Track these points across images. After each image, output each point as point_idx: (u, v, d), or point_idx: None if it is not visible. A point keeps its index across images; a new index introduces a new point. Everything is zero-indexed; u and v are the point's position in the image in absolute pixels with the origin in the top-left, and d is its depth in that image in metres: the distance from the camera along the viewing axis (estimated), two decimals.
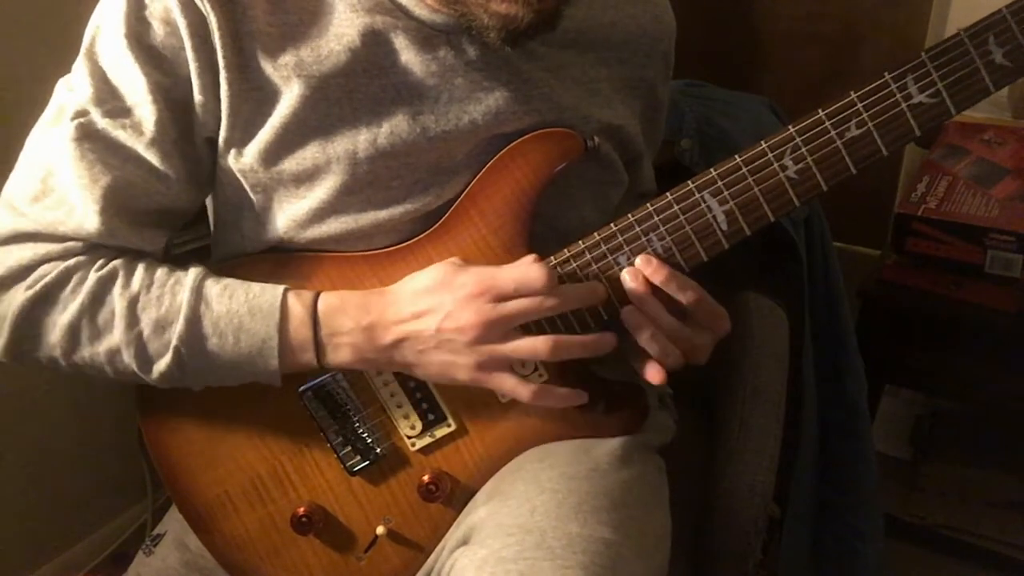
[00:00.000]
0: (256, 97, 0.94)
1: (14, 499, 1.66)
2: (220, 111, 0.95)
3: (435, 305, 0.92)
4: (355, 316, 0.94)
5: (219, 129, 0.96)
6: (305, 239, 0.99)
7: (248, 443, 1.02)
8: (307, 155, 0.95)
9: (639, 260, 0.94)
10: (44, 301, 0.94)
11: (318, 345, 0.94)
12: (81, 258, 0.95)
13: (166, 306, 0.94)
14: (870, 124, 0.87)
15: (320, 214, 0.97)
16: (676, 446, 1.15)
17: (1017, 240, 1.59)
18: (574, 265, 0.96)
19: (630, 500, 0.95)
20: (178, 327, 0.93)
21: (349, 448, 1.01)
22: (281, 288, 0.95)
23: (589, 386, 1.03)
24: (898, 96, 0.86)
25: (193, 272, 0.96)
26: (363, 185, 0.96)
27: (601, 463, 0.98)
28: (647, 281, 0.94)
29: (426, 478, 1.00)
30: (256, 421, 1.01)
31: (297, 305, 0.94)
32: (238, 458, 1.03)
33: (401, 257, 0.99)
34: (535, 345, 0.92)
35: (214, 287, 0.95)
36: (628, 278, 0.94)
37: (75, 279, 0.94)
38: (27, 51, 1.46)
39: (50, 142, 0.95)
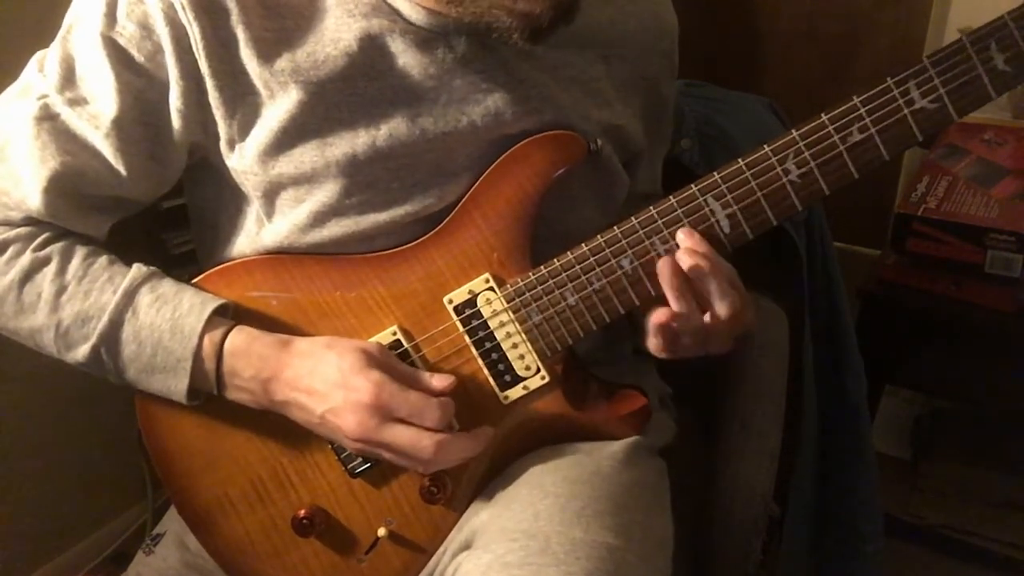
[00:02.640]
0: (252, 101, 0.94)
1: (14, 499, 1.66)
2: (210, 117, 0.95)
3: (327, 394, 0.92)
4: (255, 366, 0.95)
5: (211, 133, 0.96)
6: (306, 243, 0.99)
7: (249, 444, 1.02)
8: (305, 158, 0.95)
9: (682, 233, 0.92)
10: None
11: (219, 379, 0.96)
12: (22, 230, 0.98)
13: (91, 302, 0.96)
14: (872, 129, 0.87)
15: (321, 217, 0.97)
16: (676, 446, 1.15)
17: (1017, 240, 1.58)
18: (577, 267, 0.95)
19: (632, 504, 0.96)
20: (100, 326, 0.95)
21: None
22: (207, 313, 0.96)
23: (591, 389, 1.04)
24: (900, 101, 0.86)
25: (132, 274, 0.98)
26: (363, 187, 0.96)
27: (603, 466, 0.98)
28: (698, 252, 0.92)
29: (428, 480, 1.00)
30: (257, 422, 1.01)
31: (208, 338, 0.95)
32: (239, 459, 1.03)
33: (404, 259, 0.99)
34: (419, 440, 0.90)
35: (147, 296, 0.96)
36: (689, 243, 0.92)
37: (11, 251, 0.97)
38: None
39: (13, 114, 0.97)
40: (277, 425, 1.00)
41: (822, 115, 0.89)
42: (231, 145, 0.96)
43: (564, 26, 0.89)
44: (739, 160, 0.91)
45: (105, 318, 0.95)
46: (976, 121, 1.86)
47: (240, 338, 0.96)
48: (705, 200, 0.92)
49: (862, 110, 0.87)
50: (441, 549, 1.02)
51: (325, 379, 0.92)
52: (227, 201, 1.03)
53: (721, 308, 0.92)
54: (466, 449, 0.94)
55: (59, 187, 0.96)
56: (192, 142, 0.98)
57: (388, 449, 0.91)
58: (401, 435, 0.90)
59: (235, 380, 0.96)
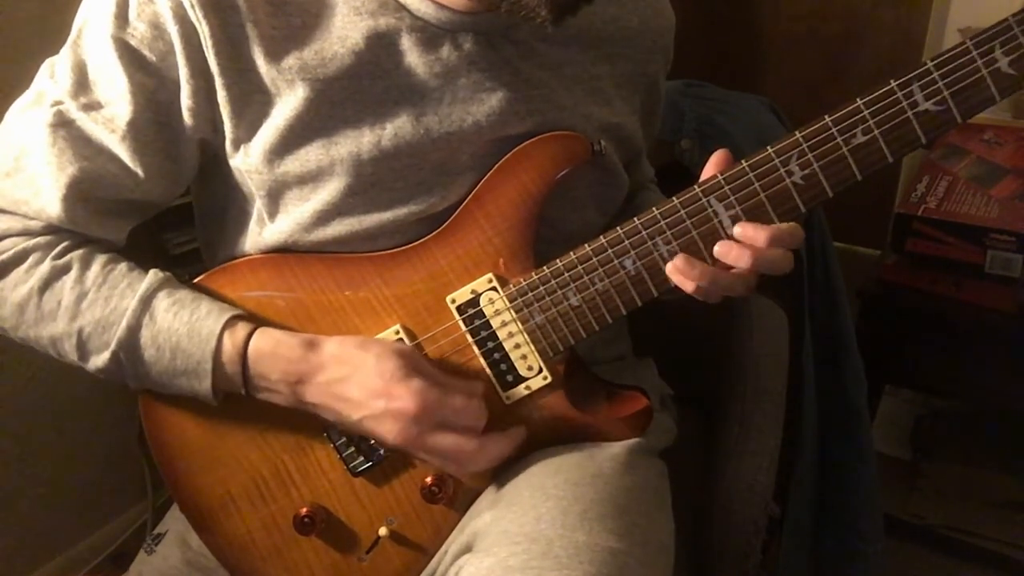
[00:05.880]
0: (260, 100, 0.94)
1: (14, 499, 1.66)
2: (218, 115, 0.95)
3: (364, 402, 0.92)
4: (282, 369, 0.94)
5: (220, 131, 0.96)
6: (309, 242, 0.99)
7: (251, 443, 1.02)
8: (310, 157, 0.95)
9: (738, 229, 0.91)
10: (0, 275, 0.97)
11: (247, 382, 0.95)
12: (41, 239, 0.98)
13: (111, 308, 0.95)
14: (876, 131, 0.87)
15: (325, 216, 0.97)
16: (676, 447, 1.15)
17: (1017, 240, 1.59)
18: (579, 267, 0.96)
19: (634, 506, 0.95)
20: (119, 332, 0.95)
21: (352, 448, 1.00)
22: (226, 316, 0.95)
23: (593, 389, 1.04)
24: (904, 104, 0.86)
25: (149, 279, 0.97)
26: (367, 186, 0.96)
27: (604, 468, 0.98)
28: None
29: (429, 479, 1.00)
30: (259, 420, 1.01)
31: (230, 340, 0.95)
32: (240, 458, 1.03)
33: (407, 258, 0.99)
34: (464, 445, 0.92)
35: (164, 300, 0.96)
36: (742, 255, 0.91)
37: (31, 260, 0.96)
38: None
39: (27, 123, 0.96)
40: (279, 423, 1.00)
41: (825, 117, 0.89)
42: (236, 145, 0.96)
43: (587, 4, 0.88)
44: (742, 161, 0.91)
45: (123, 324, 0.94)
46: (976, 121, 1.86)
47: (263, 340, 0.95)
48: (708, 201, 0.92)
49: (865, 112, 0.87)
50: (442, 549, 1.02)
51: (363, 386, 0.92)
52: (231, 200, 1.03)
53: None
54: (504, 448, 0.96)
55: (78, 193, 0.95)
56: (203, 139, 0.98)
57: (430, 454, 0.93)
58: (445, 441, 0.92)
59: (263, 383, 0.95)
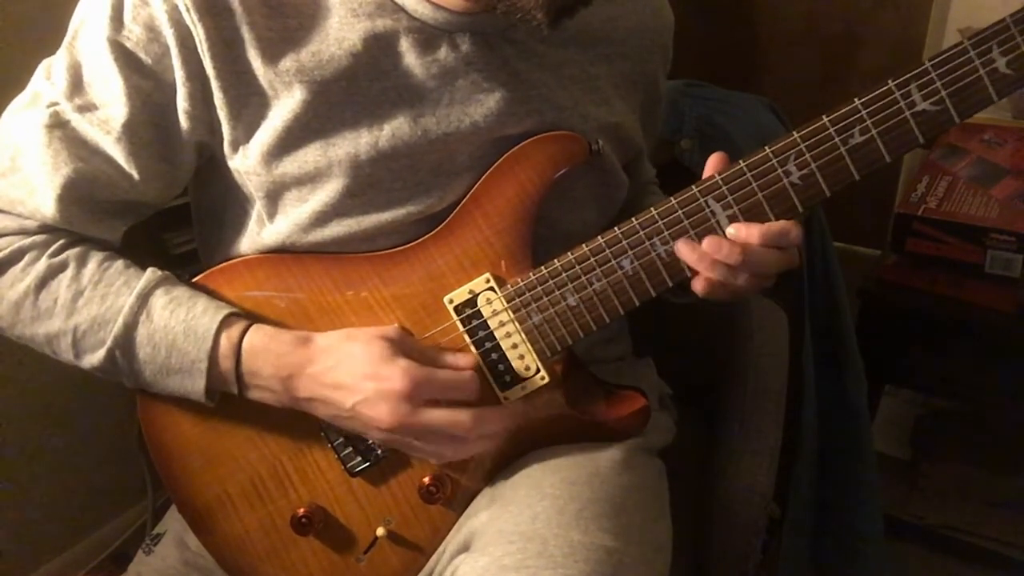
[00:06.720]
0: (257, 102, 0.94)
1: (14, 499, 1.66)
2: (215, 117, 0.95)
3: (355, 386, 0.92)
4: (275, 364, 0.94)
5: (217, 133, 0.96)
6: (308, 243, 0.99)
7: (248, 443, 1.02)
8: (308, 158, 0.95)
9: (731, 230, 0.92)
10: None
11: (240, 379, 0.96)
12: (38, 238, 0.98)
13: (107, 305, 0.95)
14: (874, 131, 0.87)
15: (323, 217, 0.97)
16: (676, 447, 1.15)
17: (1017, 240, 1.59)
18: (577, 268, 0.95)
19: (631, 506, 0.96)
20: (115, 329, 0.95)
21: (350, 449, 1.01)
22: (222, 315, 0.95)
23: (591, 389, 1.03)
24: (902, 104, 0.86)
25: (147, 277, 0.98)
26: (365, 187, 0.96)
27: (602, 468, 0.98)
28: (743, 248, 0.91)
29: (427, 479, 1.00)
30: (257, 420, 1.01)
31: (226, 338, 0.95)
32: (238, 458, 1.03)
33: (404, 258, 0.99)
34: (456, 416, 0.92)
35: (161, 298, 0.96)
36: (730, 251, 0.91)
37: (27, 258, 0.97)
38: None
39: (23, 124, 0.96)
40: (277, 423, 1.00)
41: (823, 117, 0.88)
42: (235, 147, 0.96)
43: (584, 7, 0.88)
44: (740, 161, 0.91)
45: (119, 321, 0.95)
46: (976, 121, 1.86)
47: (258, 337, 0.95)
48: (706, 201, 0.92)
49: (863, 112, 0.87)
50: (440, 549, 1.02)
51: (352, 372, 0.92)
52: (230, 201, 1.03)
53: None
54: (501, 421, 0.96)
55: (73, 194, 0.96)
56: (200, 142, 0.98)
57: (425, 433, 0.92)
58: (438, 416, 0.91)
59: (255, 380, 0.95)
